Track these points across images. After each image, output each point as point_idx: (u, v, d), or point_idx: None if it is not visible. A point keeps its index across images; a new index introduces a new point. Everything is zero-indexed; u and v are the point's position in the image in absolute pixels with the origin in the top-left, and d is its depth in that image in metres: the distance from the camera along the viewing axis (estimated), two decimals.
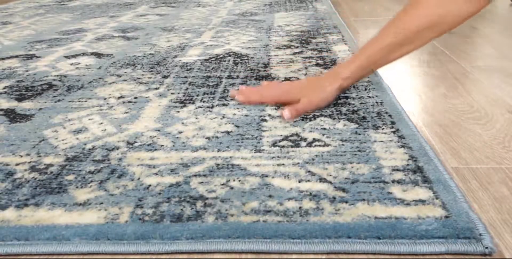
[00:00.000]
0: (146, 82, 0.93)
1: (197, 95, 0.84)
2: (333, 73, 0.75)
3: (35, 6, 2.11)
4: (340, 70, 0.74)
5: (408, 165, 0.56)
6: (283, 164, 0.58)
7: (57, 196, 0.53)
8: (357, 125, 0.68)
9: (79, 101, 0.84)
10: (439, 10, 0.65)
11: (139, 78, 0.96)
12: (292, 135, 0.66)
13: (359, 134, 0.65)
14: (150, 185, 0.55)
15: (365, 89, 0.82)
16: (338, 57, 1.04)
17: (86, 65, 1.08)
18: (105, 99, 0.85)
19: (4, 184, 0.56)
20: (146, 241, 0.45)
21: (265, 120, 0.71)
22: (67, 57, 1.17)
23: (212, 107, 0.78)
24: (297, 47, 1.16)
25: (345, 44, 1.16)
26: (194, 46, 1.22)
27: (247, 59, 1.07)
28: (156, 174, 0.57)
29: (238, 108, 0.77)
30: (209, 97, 0.83)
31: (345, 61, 0.76)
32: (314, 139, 0.65)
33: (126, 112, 0.78)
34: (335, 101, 0.77)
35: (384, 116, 0.71)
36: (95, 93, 0.88)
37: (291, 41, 1.23)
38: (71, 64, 1.10)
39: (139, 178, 0.56)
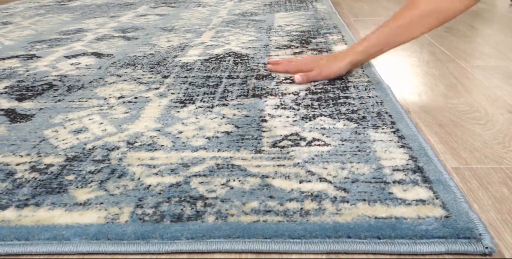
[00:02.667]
0: (146, 82, 0.93)
1: (197, 95, 0.84)
2: (347, 50, 0.90)
3: (35, 6, 2.11)
4: (353, 46, 0.89)
5: (408, 165, 0.56)
6: (283, 165, 0.58)
7: (57, 196, 0.53)
8: (357, 125, 0.68)
9: (79, 101, 0.84)
10: (433, 6, 0.79)
11: (139, 78, 0.96)
12: (291, 135, 0.66)
13: (359, 133, 0.65)
14: (150, 185, 0.55)
15: (365, 89, 0.83)
16: None
17: (86, 65, 1.09)
18: (105, 99, 0.85)
19: (4, 184, 0.56)
20: (146, 241, 0.45)
21: (265, 121, 0.71)
22: (67, 57, 1.17)
23: (212, 107, 0.78)
24: (297, 47, 1.16)
25: (345, 44, 1.16)
26: (194, 46, 1.22)
27: (247, 59, 1.07)
28: (156, 174, 0.57)
29: (238, 109, 0.77)
30: (209, 97, 0.83)
31: (357, 41, 0.90)
32: (313, 138, 0.65)
33: (126, 112, 0.78)
34: (335, 100, 0.77)
35: (384, 116, 0.71)
36: (95, 93, 0.88)
37: (291, 41, 1.23)
38: (71, 64, 1.10)
39: (139, 178, 0.56)
